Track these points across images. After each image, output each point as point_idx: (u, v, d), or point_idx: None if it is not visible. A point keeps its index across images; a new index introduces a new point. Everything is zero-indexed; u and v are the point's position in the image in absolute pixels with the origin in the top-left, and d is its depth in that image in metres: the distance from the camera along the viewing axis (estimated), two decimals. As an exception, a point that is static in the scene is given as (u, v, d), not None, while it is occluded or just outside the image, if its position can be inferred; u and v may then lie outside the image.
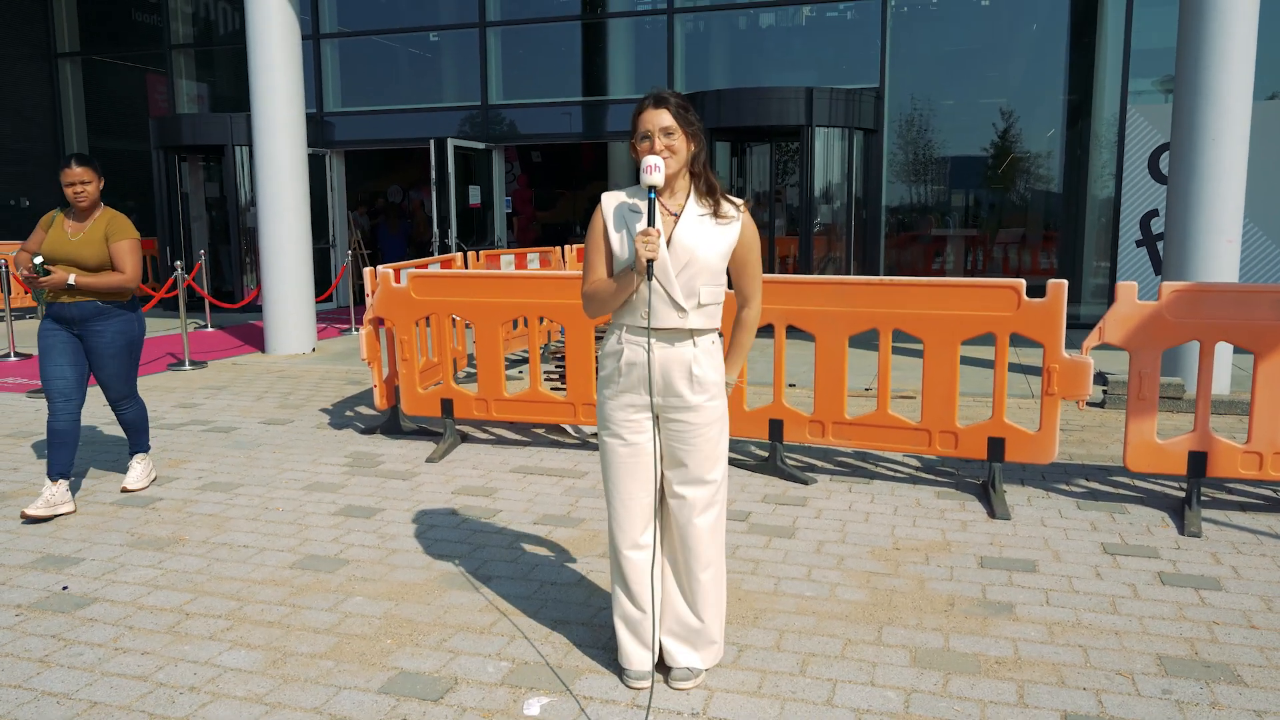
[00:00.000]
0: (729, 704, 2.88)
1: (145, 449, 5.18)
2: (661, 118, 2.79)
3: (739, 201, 2.93)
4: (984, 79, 11.90)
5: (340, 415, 6.86)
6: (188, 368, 8.79)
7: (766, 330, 5.14)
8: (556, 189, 17.52)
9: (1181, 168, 6.84)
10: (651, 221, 2.73)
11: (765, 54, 12.69)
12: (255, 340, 10.39)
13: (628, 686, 2.97)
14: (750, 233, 2.94)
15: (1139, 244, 10.65)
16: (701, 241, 2.83)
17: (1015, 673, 3.05)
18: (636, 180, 2.82)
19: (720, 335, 3.01)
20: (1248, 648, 3.20)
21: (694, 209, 2.86)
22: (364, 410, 7.00)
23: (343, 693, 2.96)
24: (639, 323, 2.86)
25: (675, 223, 2.84)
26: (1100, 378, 7.24)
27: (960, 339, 4.75)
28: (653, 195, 2.74)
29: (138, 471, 5.13)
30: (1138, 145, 10.54)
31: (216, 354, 9.66)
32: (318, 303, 10.63)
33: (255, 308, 11.98)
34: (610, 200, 2.94)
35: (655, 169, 2.72)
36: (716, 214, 2.87)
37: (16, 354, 9.57)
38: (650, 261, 2.70)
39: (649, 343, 2.84)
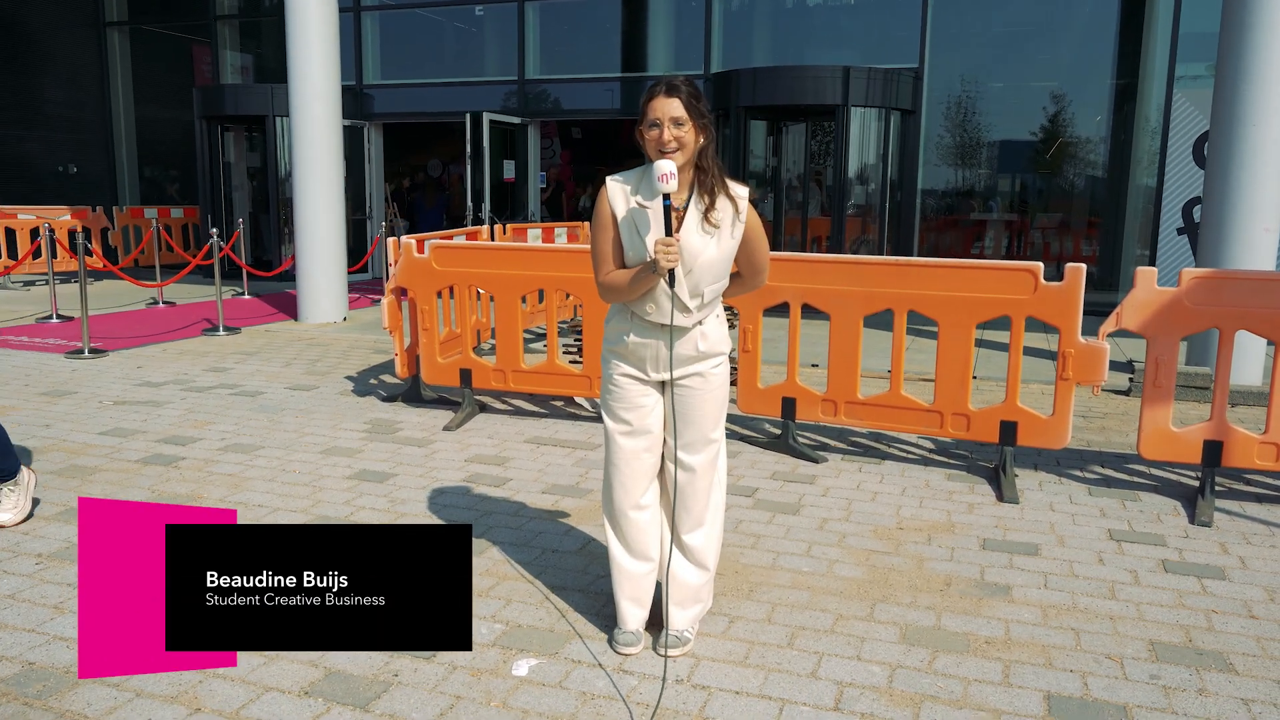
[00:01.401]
0: (713, 672, 2.92)
1: (11, 472, 4.08)
2: (672, 106, 2.75)
3: (744, 195, 2.88)
4: (1027, 61, 11.68)
5: (364, 383, 6.97)
6: (222, 333, 8.98)
7: (782, 309, 5.15)
8: (595, 165, 17.54)
9: (1220, 153, 6.69)
10: (669, 230, 2.73)
11: (803, 32, 12.56)
12: (289, 308, 10.56)
13: (616, 652, 3.02)
14: (755, 227, 2.92)
15: (1180, 232, 10.44)
16: (707, 245, 2.82)
17: (1003, 653, 3.05)
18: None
19: (725, 307, 3.04)
20: (1244, 637, 3.17)
21: (699, 205, 2.84)
22: (388, 379, 7.11)
23: (339, 647, 3.04)
24: (647, 315, 2.88)
25: (680, 222, 2.83)
26: (1128, 365, 7.14)
27: (975, 321, 4.71)
28: (668, 203, 2.73)
29: (8, 503, 4.07)
30: (1183, 131, 10.31)
31: (250, 321, 9.84)
32: (352, 273, 10.77)
33: (290, 276, 12.15)
34: (616, 189, 2.89)
35: (670, 177, 2.69)
36: (719, 216, 2.83)
37: (59, 316, 9.83)
38: (671, 270, 2.73)
39: (670, 336, 2.87)
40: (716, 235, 2.83)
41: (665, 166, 2.69)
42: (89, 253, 9.93)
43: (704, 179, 2.84)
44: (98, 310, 10.06)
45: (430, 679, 2.87)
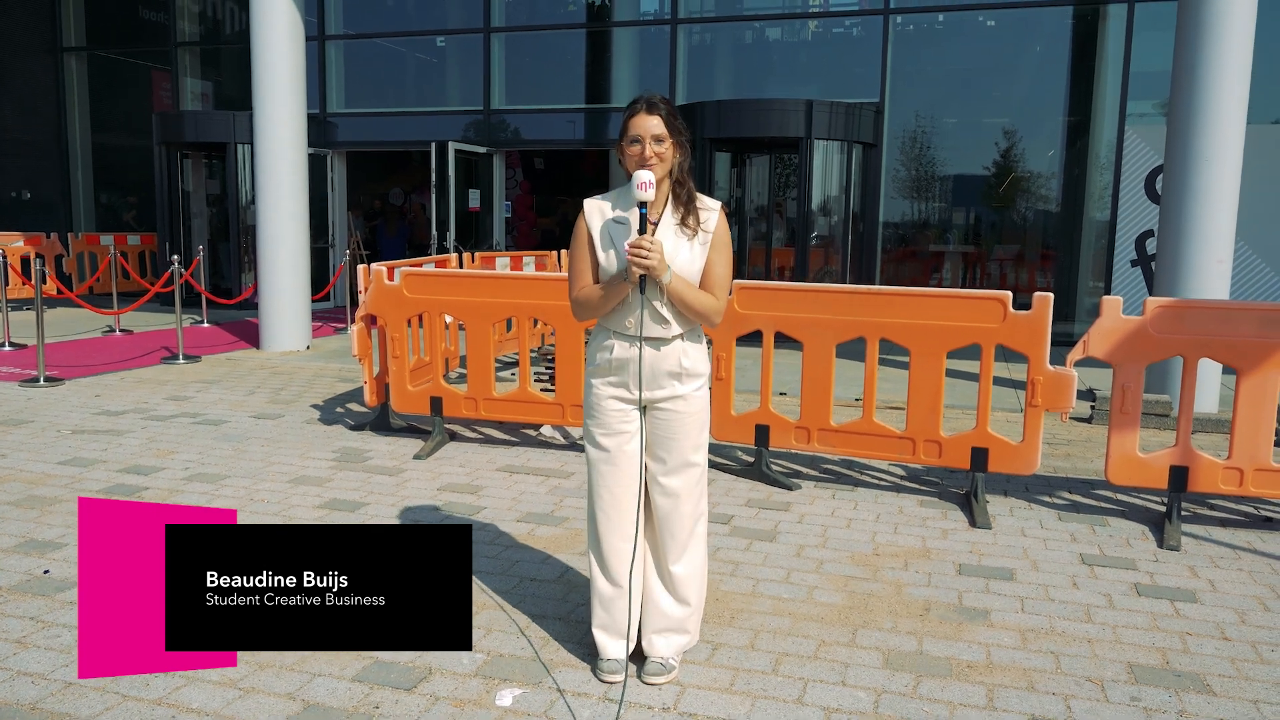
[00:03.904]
0: (700, 700, 2.90)
1: None
2: (653, 124, 2.83)
3: (716, 206, 2.95)
4: (984, 98, 11.96)
5: (331, 411, 6.88)
6: (181, 362, 8.82)
7: (754, 337, 5.18)
8: (558, 196, 17.58)
9: (1174, 188, 6.88)
10: (643, 234, 2.77)
11: (766, 66, 12.75)
12: (250, 336, 10.41)
13: (600, 680, 2.99)
14: (721, 234, 2.95)
15: (1134, 264, 10.70)
16: (680, 253, 2.88)
17: (986, 677, 3.07)
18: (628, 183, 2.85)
19: (705, 337, 3.06)
20: (1219, 658, 3.22)
21: (671, 217, 2.91)
22: (355, 407, 7.02)
23: (317, 680, 2.97)
24: (626, 330, 2.89)
25: (653, 232, 2.87)
26: (1089, 394, 7.27)
27: (946, 349, 4.78)
28: (644, 211, 2.78)
29: None
30: (1134, 166, 10.60)
31: (211, 349, 9.68)
32: (315, 301, 10.65)
33: (251, 305, 11.98)
34: (593, 208, 2.96)
35: (649, 185, 2.76)
36: (694, 223, 2.90)
37: (11, 343, 9.59)
38: (642, 277, 2.75)
39: (640, 347, 2.87)
40: (690, 245, 2.89)
41: (645, 176, 2.77)
42: (44, 279, 9.72)
43: (679, 191, 2.92)
44: (53, 338, 9.84)
45: (412, 710, 2.81)
